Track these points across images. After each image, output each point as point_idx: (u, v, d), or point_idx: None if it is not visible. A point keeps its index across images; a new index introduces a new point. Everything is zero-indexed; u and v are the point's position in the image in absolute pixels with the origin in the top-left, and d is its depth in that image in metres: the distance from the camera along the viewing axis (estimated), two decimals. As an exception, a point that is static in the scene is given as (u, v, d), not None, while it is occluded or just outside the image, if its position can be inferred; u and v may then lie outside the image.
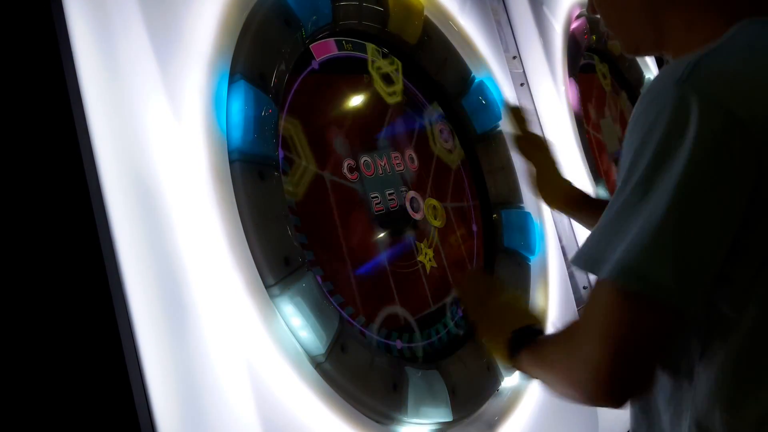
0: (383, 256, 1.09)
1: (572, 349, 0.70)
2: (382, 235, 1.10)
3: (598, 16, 0.83)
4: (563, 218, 1.63)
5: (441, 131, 1.33)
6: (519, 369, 0.88)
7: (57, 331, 0.75)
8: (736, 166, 0.60)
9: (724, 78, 0.62)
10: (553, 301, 1.40)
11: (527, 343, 0.85)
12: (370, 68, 1.20)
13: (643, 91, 0.67)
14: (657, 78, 0.66)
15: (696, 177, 0.60)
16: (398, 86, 1.26)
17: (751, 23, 0.68)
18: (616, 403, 0.66)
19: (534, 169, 1.21)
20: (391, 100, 1.23)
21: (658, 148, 0.62)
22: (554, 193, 1.20)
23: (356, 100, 1.18)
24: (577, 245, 1.64)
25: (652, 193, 0.62)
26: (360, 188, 1.09)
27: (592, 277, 0.75)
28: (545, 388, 0.81)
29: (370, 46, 1.21)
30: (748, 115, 0.60)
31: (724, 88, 0.61)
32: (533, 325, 0.90)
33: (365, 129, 1.17)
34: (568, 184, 1.19)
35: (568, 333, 0.75)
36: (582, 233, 1.67)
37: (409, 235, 1.16)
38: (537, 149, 1.22)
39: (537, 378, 0.86)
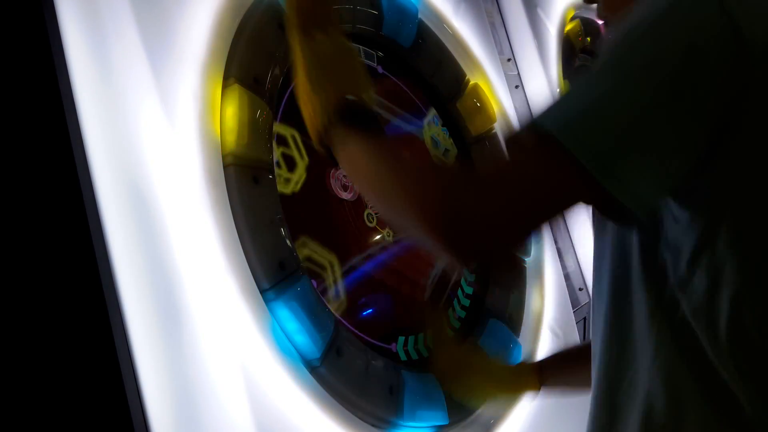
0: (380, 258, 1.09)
1: (444, 170, 0.63)
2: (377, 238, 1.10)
3: (594, 6, 0.83)
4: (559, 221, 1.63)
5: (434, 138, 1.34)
6: (328, 142, 0.72)
7: (50, 334, 0.74)
8: (720, 77, 0.57)
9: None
10: (549, 303, 1.40)
11: (361, 122, 0.71)
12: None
13: None
14: None
15: (675, 70, 0.56)
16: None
17: None
18: (464, 247, 0.58)
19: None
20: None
21: (650, 18, 0.58)
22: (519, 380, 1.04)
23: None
24: (573, 247, 1.65)
25: (621, 67, 0.58)
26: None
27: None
28: (360, 186, 0.71)
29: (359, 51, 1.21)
30: (753, 35, 0.57)
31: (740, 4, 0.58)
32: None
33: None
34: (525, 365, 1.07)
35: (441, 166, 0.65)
36: (579, 234, 1.67)
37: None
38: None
39: (347, 163, 0.72)
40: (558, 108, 0.60)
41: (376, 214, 1.11)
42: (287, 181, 0.97)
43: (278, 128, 0.98)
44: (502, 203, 0.58)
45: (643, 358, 0.67)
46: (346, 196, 1.06)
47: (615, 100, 0.57)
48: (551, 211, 0.60)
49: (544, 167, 0.57)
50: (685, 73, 0.57)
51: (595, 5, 0.84)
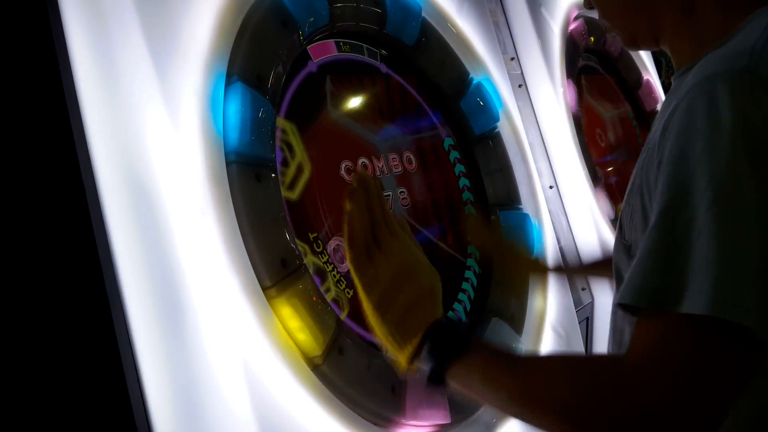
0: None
1: (615, 392, 0.54)
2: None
3: (594, 9, 0.83)
4: (562, 219, 1.63)
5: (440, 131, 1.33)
6: (442, 380, 0.68)
7: (53, 332, 0.75)
8: None
9: None
10: (552, 304, 1.40)
11: (464, 348, 0.67)
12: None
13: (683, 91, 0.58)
14: (708, 67, 0.58)
15: None
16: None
17: None
18: None
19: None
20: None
21: (726, 149, 0.52)
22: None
23: (355, 102, 1.18)
24: (576, 247, 1.64)
25: (720, 202, 0.51)
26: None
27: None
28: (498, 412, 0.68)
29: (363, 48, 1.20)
30: None
31: None
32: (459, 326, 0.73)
33: (364, 130, 1.17)
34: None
35: (596, 372, 0.57)
36: (581, 234, 1.67)
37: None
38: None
39: (485, 401, 0.68)
40: (693, 278, 0.53)
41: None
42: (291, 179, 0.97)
43: (281, 123, 0.98)
44: (680, 400, 0.51)
45: None
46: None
47: (747, 247, 0.52)
48: (729, 388, 0.52)
49: (709, 347, 0.52)
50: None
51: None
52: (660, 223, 0.55)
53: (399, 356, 0.72)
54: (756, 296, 0.50)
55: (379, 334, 0.73)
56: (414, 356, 0.71)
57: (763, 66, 0.55)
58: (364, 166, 1.12)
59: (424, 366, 0.70)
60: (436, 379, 0.69)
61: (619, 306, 0.58)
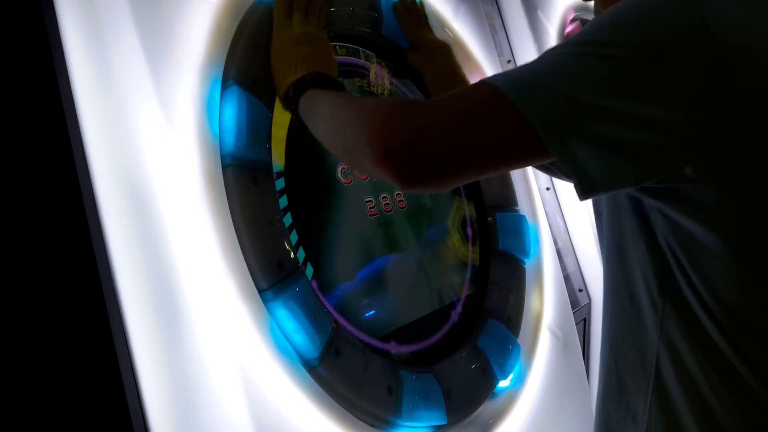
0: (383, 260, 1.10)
1: (390, 111, 0.64)
2: (377, 239, 1.11)
3: (592, 3, 0.84)
4: (558, 221, 1.63)
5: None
6: (295, 105, 0.84)
7: (50, 336, 0.75)
8: (688, 73, 0.57)
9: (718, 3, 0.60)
10: (549, 304, 1.40)
11: (320, 86, 0.83)
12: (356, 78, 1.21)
13: None
14: None
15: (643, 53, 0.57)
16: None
17: None
18: (402, 167, 0.62)
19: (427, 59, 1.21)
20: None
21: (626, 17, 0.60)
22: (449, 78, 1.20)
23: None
24: (573, 248, 1.65)
25: (591, 45, 0.60)
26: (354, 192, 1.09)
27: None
28: (322, 136, 0.78)
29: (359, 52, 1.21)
30: (727, 40, 0.58)
31: (715, 12, 0.59)
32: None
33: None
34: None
35: (387, 101, 0.69)
36: (578, 236, 1.67)
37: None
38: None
39: (314, 123, 0.81)
40: (521, 70, 0.62)
41: (374, 212, 1.11)
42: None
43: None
44: (443, 130, 0.61)
45: (649, 328, 0.69)
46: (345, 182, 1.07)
47: (578, 73, 0.59)
48: (486, 151, 0.62)
49: (492, 113, 0.61)
50: (652, 64, 0.58)
51: (592, 3, 0.84)
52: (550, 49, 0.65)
53: (280, 84, 0.89)
54: (559, 106, 0.58)
55: (274, 65, 0.91)
56: (290, 86, 0.87)
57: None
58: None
59: (292, 92, 0.86)
60: (290, 102, 0.86)
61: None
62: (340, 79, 0.90)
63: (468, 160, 0.62)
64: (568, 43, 0.62)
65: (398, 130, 0.62)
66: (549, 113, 0.58)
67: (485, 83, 0.63)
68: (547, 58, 0.62)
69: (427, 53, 1.22)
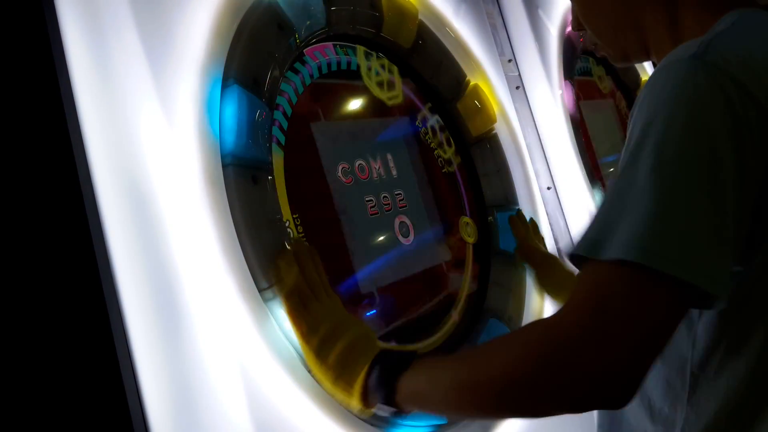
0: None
1: (547, 345, 0.57)
2: (378, 239, 1.11)
3: (585, 30, 0.85)
4: (559, 220, 1.63)
5: (434, 132, 1.34)
6: (392, 402, 0.73)
7: (50, 335, 0.75)
8: (753, 139, 0.59)
9: (738, 56, 0.62)
10: (548, 305, 1.40)
11: (401, 365, 0.72)
12: (364, 77, 1.20)
13: (654, 71, 0.66)
14: (669, 57, 0.65)
15: (713, 151, 0.57)
16: (397, 91, 1.27)
17: (746, 12, 0.68)
18: (605, 406, 0.58)
19: (535, 270, 1.25)
20: (390, 103, 1.24)
21: (669, 123, 0.59)
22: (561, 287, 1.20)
23: (353, 105, 1.18)
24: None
25: (658, 167, 0.58)
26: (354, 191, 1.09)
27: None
28: (446, 413, 0.69)
29: (360, 50, 1.21)
30: (761, 92, 0.59)
31: (739, 65, 0.61)
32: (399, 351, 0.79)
33: (361, 132, 1.17)
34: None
35: (532, 333, 0.62)
36: (579, 235, 1.66)
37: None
38: (534, 251, 1.27)
39: (433, 404, 0.72)
40: (621, 230, 0.58)
41: (375, 213, 1.11)
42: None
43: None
44: (611, 347, 0.54)
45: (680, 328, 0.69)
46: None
47: (675, 204, 0.57)
48: (659, 330, 0.57)
49: (638, 295, 0.56)
50: (722, 160, 0.58)
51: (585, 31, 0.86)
52: (613, 185, 0.62)
53: (351, 396, 0.78)
54: (679, 248, 0.55)
55: (327, 380, 0.80)
56: (364, 391, 0.76)
57: (710, 52, 0.61)
58: (361, 168, 1.13)
59: (376, 394, 0.75)
60: (389, 401, 0.73)
61: (569, 258, 0.63)
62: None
63: (650, 351, 0.56)
64: (641, 170, 0.59)
65: (579, 373, 0.55)
66: (695, 259, 0.56)
67: (618, 270, 0.57)
68: (636, 196, 0.58)
69: (534, 263, 1.27)
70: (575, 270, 0.63)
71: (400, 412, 0.76)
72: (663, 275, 0.55)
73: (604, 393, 0.55)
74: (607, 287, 0.56)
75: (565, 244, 1.63)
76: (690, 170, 0.57)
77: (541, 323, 0.62)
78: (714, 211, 0.57)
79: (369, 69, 1.22)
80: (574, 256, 0.62)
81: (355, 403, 0.78)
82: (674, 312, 0.57)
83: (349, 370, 0.78)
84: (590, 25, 0.84)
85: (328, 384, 0.81)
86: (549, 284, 1.24)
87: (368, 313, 1.05)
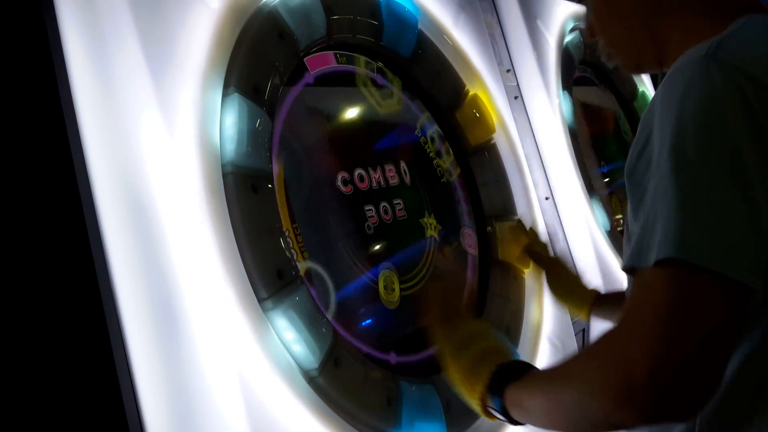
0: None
1: (611, 353, 0.59)
2: (377, 248, 1.10)
3: (597, 40, 0.85)
4: (558, 230, 1.63)
5: (433, 141, 1.34)
6: (502, 410, 0.76)
7: (49, 344, 0.74)
8: None
9: (749, 53, 0.62)
10: (548, 314, 1.40)
11: (515, 377, 0.76)
12: (361, 86, 1.20)
13: (666, 76, 0.66)
14: (681, 59, 0.65)
15: (733, 144, 0.58)
16: (396, 99, 1.26)
17: (754, 17, 0.69)
18: (681, 413, 0.56)
19: (553, 282, 1.24)
20: (389, 112, 1.24)
21: (687, 121, 0.59)
22: (580, 301, 1.19)
23: (351, 113, 1.18)
24: (572, 258, 1.65)
25: (682, 165, 0.58)
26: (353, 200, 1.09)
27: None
28: (549, 427, 0.71)
29: (361, 59, 1.21)
30: None
31: (751, 62, 0.61)
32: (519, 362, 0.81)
33: (360, 141, 1.17)
34: (590, 291, 1.19)
35: (597, 345, 0.63)
36: (577, 246, 1.67)
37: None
38: (549, 262, 1.27)
39: (533, 415, 0.74)
40: (657, 232, 0.59)
41: (375, 224, 1.11)
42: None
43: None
44: (681, 349, 0.55)
45: None
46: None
47: (710, 197, 0.57)
48: (724, 329, 0.56)
49: (685, 292, 0.56)
50: (747, 147, 0.58)
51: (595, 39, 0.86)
52: (647, 195, 0.62)
53: (470, 397, 0.82)
54: (712, 241, 0.56)
55: (454, 378, 0.85)
56: (483, 397, 0.79)
57: (722, 51, 0.62)
58: (360, 177, 1.12)
59: (489, 402, 0.79)
60: (501, 411, 0.77)
61: (625, 272, 0.66)
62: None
63: (716, 348, 0.56)
64: (665, 173, 0.60)
65: (641, 384, 0.55)
66: (736, 256, 0.56)
67: (661, 271, 0.57)
68: (666, 198, 0.59)
69: (544, 266, 1.27)
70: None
71: (513, 421, 0.78)
72: (702, 269, 0.55)
73: (681, 395, 0.55)
74: (655, 291, 0.57)
75: (563, 254, 1.63)
76: (712, 165, 0.58)
77: (607, 333, 0.62)
78: (742, 204, 0.57)
79: (368, 78, 1.22)
80: (626, 269, 0.64)
81: (476, 407, 0.82)
82: (723, 305, 0.56)
83: (475, 375, 0.81)
84: (606, 33, 0.84)
85: (458, 387, 0.84)
86: (559, 287, 1.24)
87: (367, 323, 1.04)
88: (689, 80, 0.62)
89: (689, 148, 0.59)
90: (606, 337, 0.62)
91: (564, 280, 1.24)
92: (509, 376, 0.77)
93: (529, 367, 0.79)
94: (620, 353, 0.58)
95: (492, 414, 0.80)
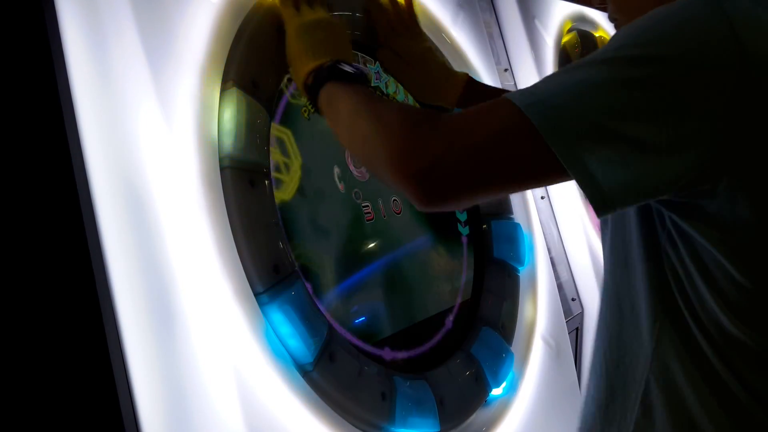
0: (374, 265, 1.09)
1: (421, 127, 0.63)
2: (372, 244, 1.11)
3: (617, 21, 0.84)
4: (553, 230, 1.63)
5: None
6: (316, 100, 0.83)
7: (44, 337, 0.74)
8: (716, 91, 0.57)
9: (748, 15, 0.60)
10: (542, 313, 1.40)
11: (345, 79, 0.80)
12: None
13: None
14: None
15: (673, 76, 0.57)
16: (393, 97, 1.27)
17: None
18: (416, 192, 0.62)
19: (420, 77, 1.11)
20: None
21: (651, 33, 0.59)
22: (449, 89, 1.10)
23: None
24: (566, 257, 1.65)
25: (612, 61, 0.59)
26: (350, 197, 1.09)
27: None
28: (340, 137, 0.77)
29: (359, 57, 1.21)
30: (757, 52, 0.58)
31: (746, 24, 0.59)
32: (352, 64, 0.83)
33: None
34: (460, 76, 1.11)
35: (422, 112, 0.68)
36: (572, 245, 1.67)
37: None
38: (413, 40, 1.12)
39: (337, 121, 0.79)
40: (545, 90, 0.62)
41: (370, 220, 1.11)
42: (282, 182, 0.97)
43: (275, 131, 0.98)
44: (465, 155, 0.60)
45: (644, 340, 0.69)
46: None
47: (604, 96, 0.58)
48: (507, 172, 0.62)
49: (514, 138, 0.60)
50: (678, 82, 0.57)
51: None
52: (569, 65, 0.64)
53: (298, 72, 0.87)
54: (578, 124, 0.58)
55: (290, 54, 0.90)
56: (309, 74, 0.85)
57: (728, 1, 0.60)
58: (360, 173, 1.12)
59: (311, 81, 0.84)
60: (310, 90, 0.84)
61: None
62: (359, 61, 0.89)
63: (489, 183, 0.62)
64: (593, 60, 0.60)
65: (419, 155, 0.61)
66: (572, 138, 0.58)
67: (507, 104, 0.61)
68: (573, 77, 0.61)
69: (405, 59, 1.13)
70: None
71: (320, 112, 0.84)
72: (536, 130, 0.58)
73: (421, 179, 0.61)
74: (493, 114, 0.61)
75: (557, 253, 1.64)
76: (635, 83, 0.57)
77: (435, 120, 0.65)
78: (637, 116, 0.57)
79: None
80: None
81: (299, 87, 0.88)
82: (531, 161, 0.60)
83: (308, 57, 0.86)
84: (626, 13, 0.82)
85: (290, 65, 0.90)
86: (427, 82, 1.12)
87: (362, 319, 1.04)
88: (670, 8, 0.60)
89: (630, 52, 0.59)
90: (432, 113, 0.66)
91: (434, 73, 1.11)
92: (340, 76, 0.81)
93: (364, 81, 0.82)
94: (426, 135, 0.62)
95: (307, 95, 0.86)
